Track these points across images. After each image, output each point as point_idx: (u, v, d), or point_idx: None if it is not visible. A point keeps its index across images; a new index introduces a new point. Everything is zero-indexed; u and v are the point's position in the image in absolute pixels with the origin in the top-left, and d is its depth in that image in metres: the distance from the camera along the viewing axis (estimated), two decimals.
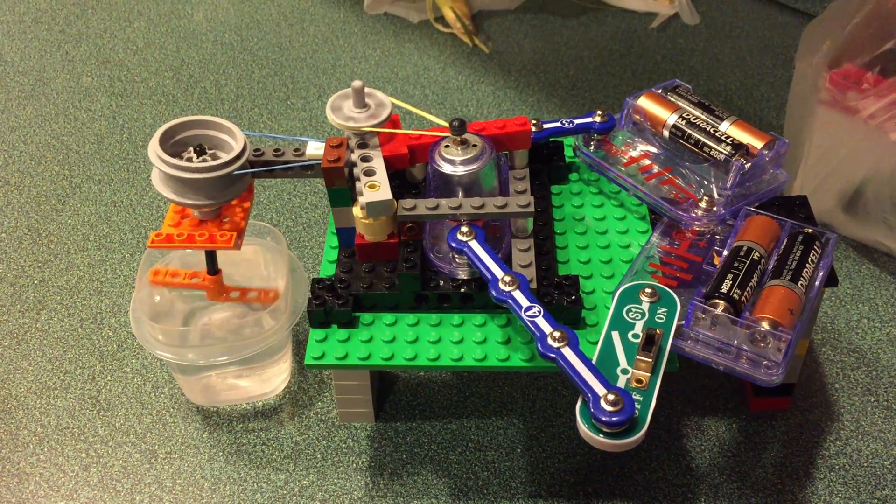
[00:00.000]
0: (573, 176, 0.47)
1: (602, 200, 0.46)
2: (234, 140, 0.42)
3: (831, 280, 0.41)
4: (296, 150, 0.44)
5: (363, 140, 0.41)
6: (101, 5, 0.82)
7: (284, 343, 0.49)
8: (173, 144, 0.42)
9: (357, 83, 0.40)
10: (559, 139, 0.47)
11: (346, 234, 0.42)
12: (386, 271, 0.40)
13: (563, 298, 0.39)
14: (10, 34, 0.79)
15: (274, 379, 0.50)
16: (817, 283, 0.39)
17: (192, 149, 0.42)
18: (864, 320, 0.54)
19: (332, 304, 0.39)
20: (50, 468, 0.47)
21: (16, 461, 0.48)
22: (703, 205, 0.42)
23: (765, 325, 0.36)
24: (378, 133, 0.41)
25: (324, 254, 0.44)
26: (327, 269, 0.42)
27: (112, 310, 0.55)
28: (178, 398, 0.50)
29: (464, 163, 0.40)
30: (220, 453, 0.48)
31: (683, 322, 0.38)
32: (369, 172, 0.40)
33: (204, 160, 0.41)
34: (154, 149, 0.40)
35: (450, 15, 0.77)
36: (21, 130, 0.69)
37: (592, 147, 0.46)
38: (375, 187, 0.39)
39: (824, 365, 0.51)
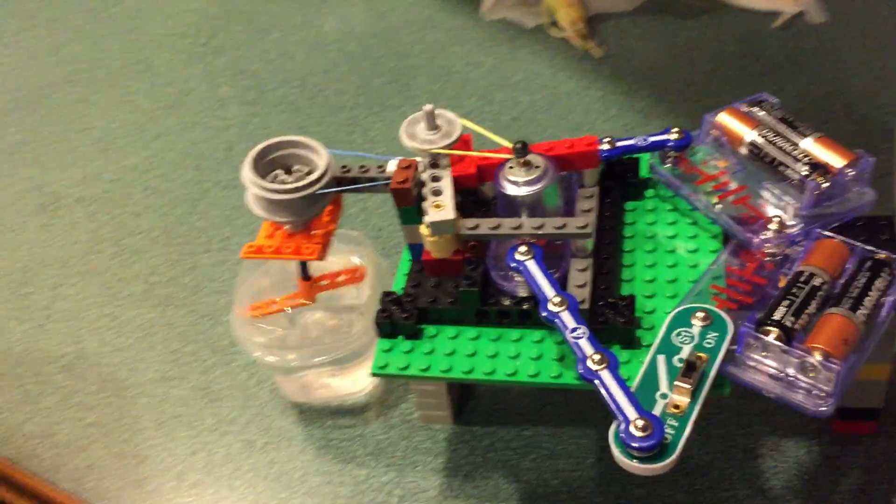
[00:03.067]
0: (649, 192, 0.47)
1: (675, 218, 0.45)
2: (320, 159, 0.45)
3: None
4: (379, 166, 0.46)
5: (435, 160, 0.43)
6: (242, 18, 0.88)
7: (370, 346, 0.52)
8: (264, 164, 0.45)
9: (428, 107, 0.42)
10: (635, 156, 0.47)
11: (416, 250, 0.44)
12: (451, 287, 0.42)
13: (617, 319, 0.39)
14: (160, 46, 0.86)
15: (362, 380, 0.53)
16: (883, 311, 0.37)
17: (280, 169, 0.45)
18: None
19: (397, 317, 0.42)
20: (163, 452, 0.53)
21: (136, 443, 0.53)
22: (773, 226, 0.42)
23: (816, 356, 0.35)
24: (449, 153, 0.43)
25: (399, 267, 0.46)
26: (400, 282, 0.45)
27: (227, 308, 0.60)
28: (278, 393, 0.55)
29: (526, 184, 0.41)
30: (311, 447, 0.52)
31: (736, 347, 0.37)
32: (437, 192, 0.42)
33: (295, 178, 0.45)
34: (246, 172, 0.44)
35: (564, 19, 0.78)
36: (164, 138, 0.76)
37: (669, 164, 0.46)
38: (441, 207, 0.41)
39: None
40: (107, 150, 0.75)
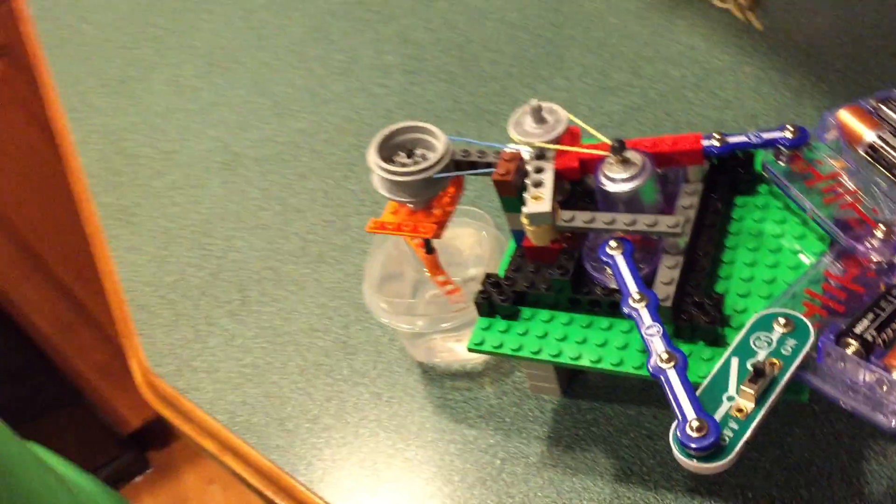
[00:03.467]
0: (762, 188, 0.47)
1: (784, 216, 0.45)
2: (439, 143, 0.49)
3: None
4: (496, 153, 0.49)
5: (541, 152, 0.46)
6: None
7: None
8: (389, 147, 0.49)
9: (534, 102, 0.45)
10: (751, 151, 0.47)
11: (518, 236, 0.47)
12: (547, 273, 0.45)
13: (701, 317, 0.41)
14: (336, 14, 0.92)
15: None
16: None
17: (403, 152, 0.49)
18: None
19: (495, 299, 0.45)
20: (303, 395, 0.59)
21: (281, 385, 0.60)
22: (879, 233, 0.41)
23: (894, 374, 0.35)
24: (559, 147, 0.45)
25: (507, 249, 0.49)
26: (504, 264, 0.48)
27: None
28: (406, 353, 0.60)
29: (623, 181, 0.42)
30: (429, 404, 0.57)
31: (816, 356, 0.38)
32: (538, 184, 0.44)
33: (414, 162, 0.49)
34: (371, 155, 0.48)
35: None
36: (332, 104, 0.82)
37: (782, 162, 0.46)
38: (539, 199, 0.43)
39: None
40: (282, 113, 0.83)
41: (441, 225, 0.50)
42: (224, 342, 0.64)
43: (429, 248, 0.54)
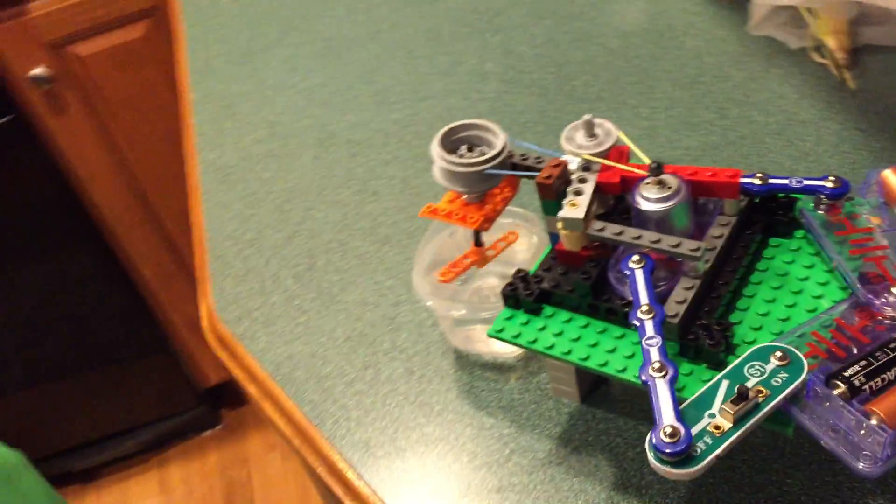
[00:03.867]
0: (799, 233, 0.48)
1: (813, 262, 0.46)
2: (498, 142, 0.52)
3: None
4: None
5: (587, 165, 0.48)
6: (525, 2, 0.96)
7: None
8: (453, 141, 0.53)
9: (587, 116, 0.47)
10: (794, 196, 0.48)
11: (553, 238, 0.49)
12: (573, 277, 0.48)
13: (706, 340, 0.42)
14: (451, 18, 0.97)
15: None
16: None
17: (464, 146, 0.53)
18: None
19: (521, 292, 0.48)
20: (344, 360, 0.64)
21: (327, 348, 0.65)
22: (895, 290, 0.42)
23: (872, 419, 0.36)
24: (604, 161, 0.48)
25: (546, 248, 0.52)
26: (538, 263, 0.51)
27: None
28: (445, 337, 0.63)
29: (657, 201, 0.45)
30: (455, 388, 0.60)
31: (806, 393, 0.39)
32: (578, 192, 0.47)
33: (474, 156, 0.52)
34: (434, 145, 0.52)
35: (831, 44, 0.76)
36: (429, 100, 0.86)
37: (821, 211, 0.47)
38: (575, 206, 0.46)
39: None
40: (381, 103, 0.88)
41: (489, 219, 0.53)
42: (284, 300, 0.69)
43: (478, 241, 0.58)
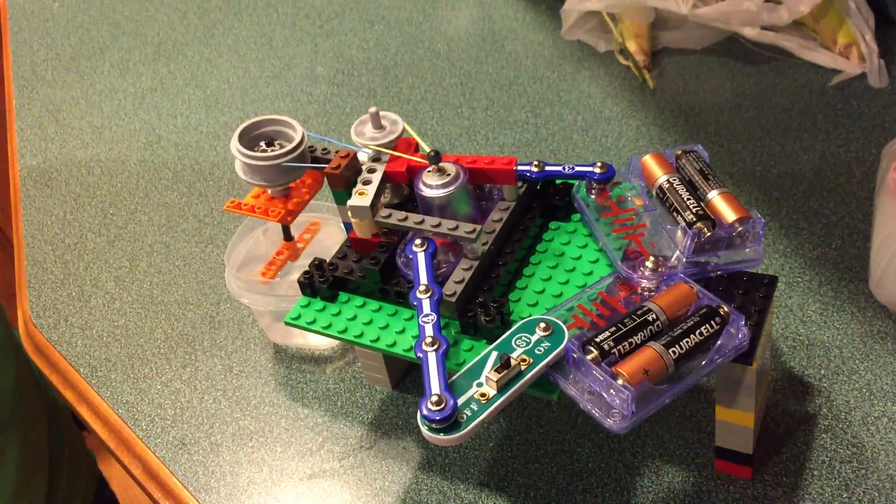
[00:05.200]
0: (576, 216, 0.52)
1: (587, 242, 0.50)
2: (296, 136, 0.54)
3: (742, 357, 0.42)
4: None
5: (377, 155, 0.50)
6: (358, 8, 0.98)
7: None
8: (253, 137, 0.54)
9: (373, 109, 0.50)
10: (569, 181, 0.52)
11: (348, 227, 0.51)
12: (366, 263, 0.50)
13: (482, 316, 0.45)
14: (284, 24, 0.98)
15: None
16: (707, 357, 0.41)
17: (263, 142, 0.54)
18: (884, 419, 0.51)
19: (316, 280, 0.50)
20: (163, 360, 0.63)
21: (146, 349, 0.64)
22: (649, 264, 0.46)
23: (619, 381, 0.40)
24: (390, 153, 0.50)
25: (345, 240, 0.54)
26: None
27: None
28: (265, 334, 0.64)
29: (436, 187, 0.47)
30: (273, 381, 0.61)
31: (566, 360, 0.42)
32: (366, 182, 0.49)
33: (271, 150, 0.53)
34: (233, 142, 0.53)
35: (632, 47, 0.82)
36: (258, 104, 0.87)
37: (592, 194, 0.51)
38: (363, 195, 0.48)
39: (816, 451, 0.51)
40: (211, 106, 0.88)
41: (291, 212, 0.55)
42: (104, 304, 0.69)
43: (287, 236, 0.59)
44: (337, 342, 0.62)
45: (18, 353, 0.72)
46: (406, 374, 0.59)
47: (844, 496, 0.48)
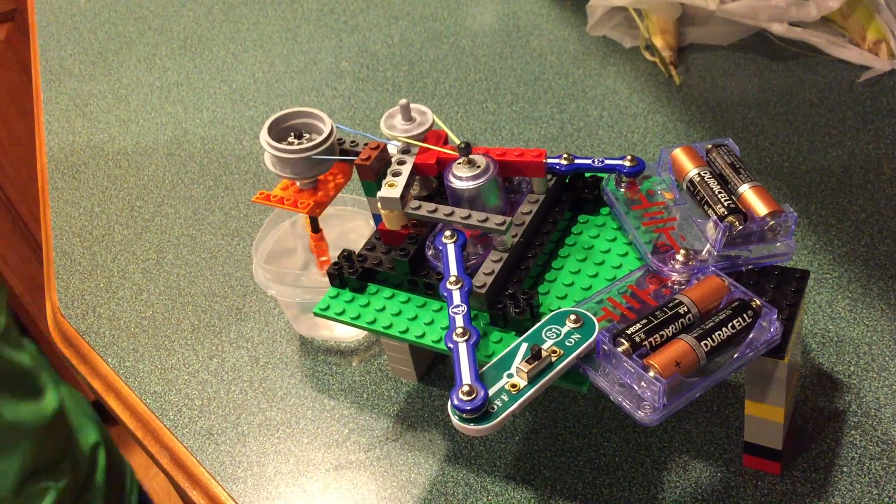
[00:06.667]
0: (605, 210, 0.52)
1: (616, 235, 0.50)
2: (325, 129, 0.54)
3: (774, 351, 0.42)
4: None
5: (406, 148, 0.51)
6: (381, 3, 0.98)
7: None
8: (282, 129, 0.54)
9: (403, 101, 0.50)
10: (599, 175, 0.52)
11: (377, 219, 0.52)
12: (394, 254, 0.50)
13: (512, 308, 0.45)
14: (309, 19, 0.98)
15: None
16: (739, 351, 0.41)
17: (293, 134, 0.54)
18: None
19: (345, 271, 0.50)
20: (190, 352, 0.64)
21: (173, 340, 0.65)
22: (680, 257, 0.45)
23: (650, 373, 0.40)
24: (420, 144, 0.50)
25: (374, 231, 0.54)
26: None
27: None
28: (291, 325, 0.64)
29: (466, 179, 0.47)
30: (299, 373, 0.61)
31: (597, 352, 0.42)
32: (396, 174, 0.49)
33: (300, 143, 0.54)
34: (263, 134, 0.53)
35: (658, 43, 0.81)
36: (284, 98, 0.87)
37: (621, 188, 0.51)
38: (393, 186, 0.48)
39: (845, 448, 0.50)
40: (237, 101, 0.88)
41: (320, 204, 0.55)
42: (131, 295, 0.69)
43: (315, 228, 0.59)
44: (362, 334, 0.62)
45: None
46: (431, 368, 0.59)
47: (874, 492, 0.48)
